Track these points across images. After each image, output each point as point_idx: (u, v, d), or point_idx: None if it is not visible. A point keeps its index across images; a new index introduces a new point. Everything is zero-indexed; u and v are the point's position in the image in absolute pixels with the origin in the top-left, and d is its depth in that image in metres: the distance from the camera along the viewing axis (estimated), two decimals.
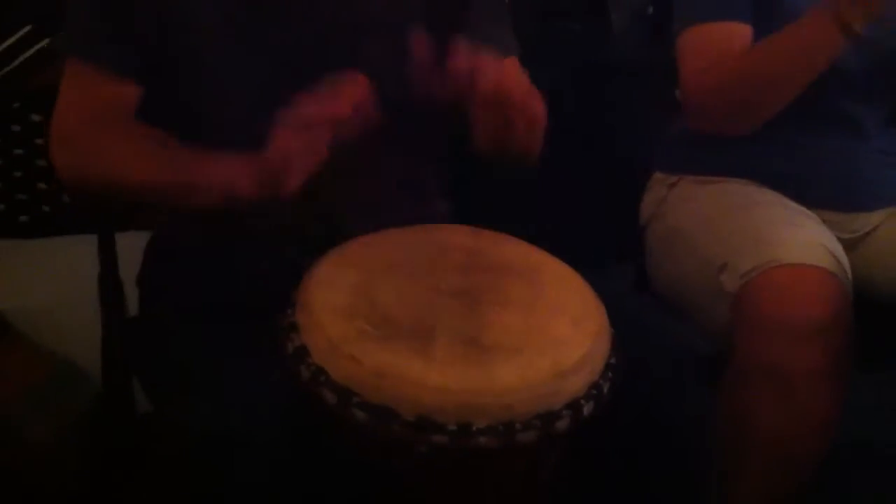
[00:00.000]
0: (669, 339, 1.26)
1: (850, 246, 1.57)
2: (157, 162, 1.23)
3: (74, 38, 1.30)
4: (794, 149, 1.58)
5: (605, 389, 1.11)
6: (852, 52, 1.51)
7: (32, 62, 1.76)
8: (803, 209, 1.56)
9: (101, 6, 1.27)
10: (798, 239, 1.43)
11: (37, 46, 1.77)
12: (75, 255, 1.60)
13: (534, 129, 1.27)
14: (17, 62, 1.75)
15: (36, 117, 1.79)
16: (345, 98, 1.14)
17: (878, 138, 1.59)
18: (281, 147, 1.14)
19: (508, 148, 1.31)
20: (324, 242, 1.23)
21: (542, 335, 1.11)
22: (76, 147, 1.28)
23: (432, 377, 1.04)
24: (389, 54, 1.31)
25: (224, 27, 1.27)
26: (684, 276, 1.55)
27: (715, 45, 1.53)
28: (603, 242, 1.91)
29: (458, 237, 1.27)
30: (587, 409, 1.09)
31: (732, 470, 1.41)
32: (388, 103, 1.33)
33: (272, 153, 1.15)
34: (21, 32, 1.76)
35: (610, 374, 1.13)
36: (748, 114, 1.54)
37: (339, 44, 1.30)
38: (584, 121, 1.91)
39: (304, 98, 1.14)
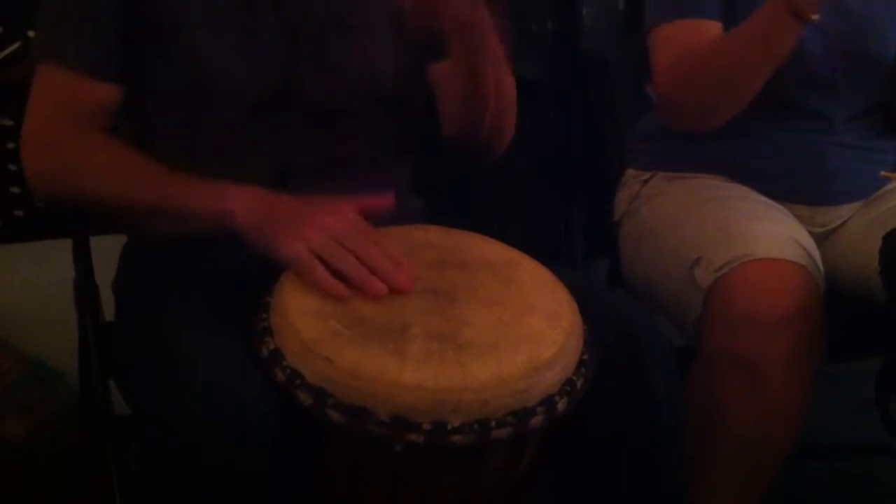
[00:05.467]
0: (641, 334, 1.26)
1: (820, 239, 1.59)
2: (143, 183, 1.21)
3: (48, 40, 1.29)
4: (765, 144, 1.60)
5: (579, 385, 1.12)
6: (821, 50, 1.54)
7: (2, 63, 1.75)
8: (774, 203, 1.57)
9: (76, 6, 1.26)
10: (770, 233, 1.45)
11: (7, 50, 1.76)
12: (50, 260, 1.59)
13: (505, 97, 1.30)
14: None
15: (7, 121, 1.77)
16: (380, 252, 1.13)
17: (846, 133, 1.61)
18: (304, 220, 1.13)
19: (478, 127, 1.32)
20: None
21: (516, 332, 1.12)
22: (56, 158, 1.26)
23: (406, 376, 1.05)
24: (364, 50, 1.32)
25: (213, 21, 1.27)
26: (658, 271, 1.56)
27: (685, 41, 1.54)
28: (577, 238, 1.92)
29: (431, 235, 1.27)
30: (561, 405, 1.10)
31: (701, 459, 1.42)
32: (363, 99, 1.35)
33: (286, 210, 1.14)
34: None
35: (583, 370, 1.14)
36: (715, 106, 1.55)
37: (308, 35, 1.30)
38: (557, 117, 1.92)
39: (355, 210, 1.16)
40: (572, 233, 1.94)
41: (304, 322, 1.09)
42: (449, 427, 1.04)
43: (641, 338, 1.24)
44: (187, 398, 1.07)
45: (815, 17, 1.41)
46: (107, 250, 1.46)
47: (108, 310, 1.44)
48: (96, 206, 1.27)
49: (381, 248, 1.13)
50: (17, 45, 1.75)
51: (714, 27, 1.54)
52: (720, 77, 1.51)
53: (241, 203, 1.16)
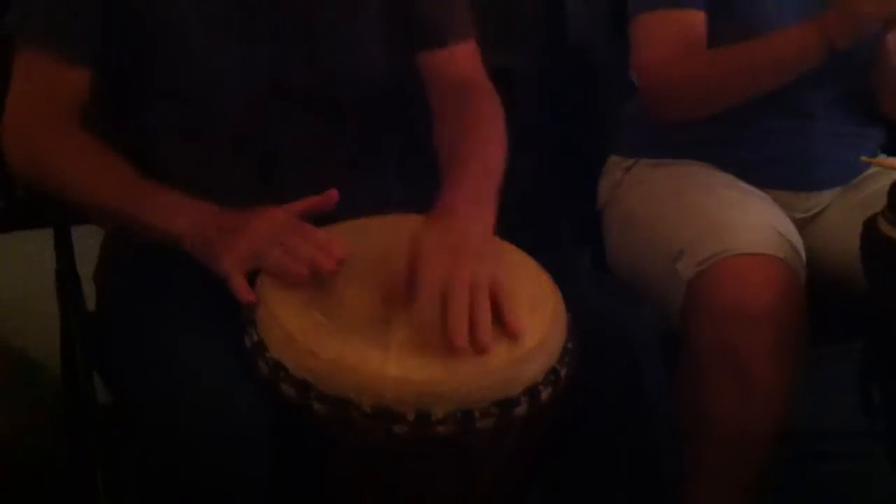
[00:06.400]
0: (626, 322, 1.27)
1: (802, 225, 1.59)
2: (109, 187, 1.23)
3: (24, 23, 1.29)
4: (747, 131, 1.60)
5: (563, 374, 1.12)
6: None
7: None
8: (756, 190, 1.58)
9: None
10: (752, 225, 1.46)
11: None
12: (31, 251, 1.58)
13: None
14: None
15: None
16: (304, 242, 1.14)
17: (828, 120, 1.61)
18: (237, 237, 1.15)
19: None
20: None
21: (498, 322, 1.12)
22: (29, 143, 1.27)
23: (390, 367, 1.05)
24: (354, 42, 1.32)
25: (203, 14, 1.26)
26: (641, 261, 1.57)
27: (672, 33, 1.54)
28: (560, 225, 1.92)
29: (414, 225, 1.27)
30: (545, 395, 1.10)
31: (692, 451, 1.43)
32: (345, 88, 1.35)
33: (226, 229, 1.15)
34: None
35: (567, 359, 1.14)
36: (711, 107, 1.56)
37: (300, 30, 1.30)
38: (541, 104, 1.91)
39: (292, 215, 1.17)
40: (555, 220, 1.94)
41: (287, 313, 1.09)
42: (433, 418, 1.04)
43: (627, 329, 1.25)
44: (186, 401, 1.07)
45: (842, 48, 1.45)
46: (88, 240, 1.45)
47: (90, 300, 1.43)
48: (63, 197, 1.29)
49: (308, 238, 1.14)
50: None
51: (699, 18, 1.54)
52: (727, 86, 1.54)
53: (189, 227, 1.17)
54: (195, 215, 1.18)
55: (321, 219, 1.26)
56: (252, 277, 1.16)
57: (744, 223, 1.46)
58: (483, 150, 1.29)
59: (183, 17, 1.26)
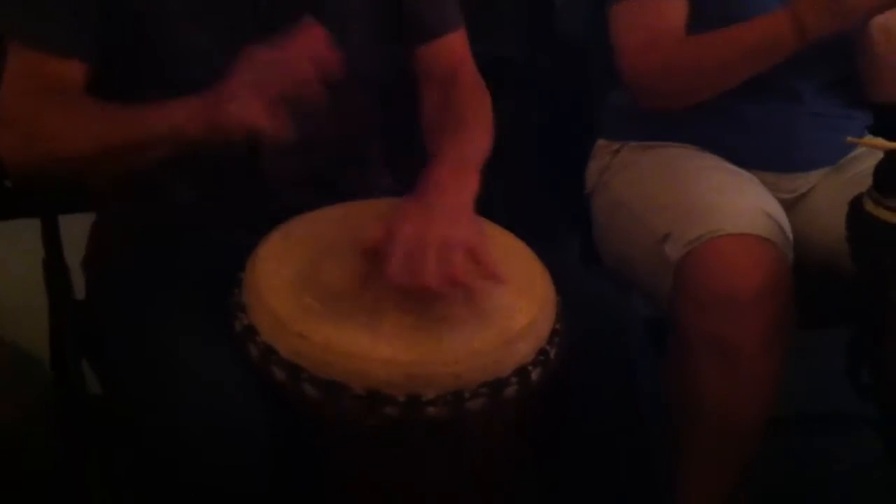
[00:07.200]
0: (617, 311, 1.27)
1: (789, 206, 1.59)
2: (100, 124, 1.21)
3: (12, 18, 1.28)
4: (733, 115, 1.59)
5: (553, 355, 1.13)
6: None
7: None
8: (744, 172, 1.58)
9: None
10: (739, 207, 1.46)
11: None
12: (19, 241, 1.59)
13: None
14: None
15: None
16: (300, 45, 1.14)
17: (815, 104, 1.61)
18: (231, 84, 1.13)
19: None
20: (267, 218, 1.23)
21: (488, 304, 1.12)
22: (18, 128, 1.25)
23: (380, 350, 1.05)
24: (340, 36, 1.32)
25: (191, 8, 1.26)
26: (629, 245, 1.56)
27: (651, 21, 1.54)
28: (549, 212, 1.92)
29: None
30: (535, 375, 1.11)
31: (681, 437, 1.43)
32: (336, 83, 1.35)
33: (220, 89, 1.14)
34: None
35: (557, 340, 1.14)
36: (691, 95, 1.57)
37: (293, 27, 1.30)
38: (529, 90, 1.92)
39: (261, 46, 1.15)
40: (544, 206, 1.94)
41: (277, 298, 1.10)
42: (423, 399, 1.05)
43: (618, 318, 1.26)
44: (184, 399, 1.08)
45: (813, 39, 1.45)
46: (76, 229, 1.45)
47: (79, 289, 1.43)
48: (62, 167, 1.25)
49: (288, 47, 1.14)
50: None
51: (680, 6, 1.54)
52: (704, 74, 1.54)
53: (184, 115, 1.16)
54: (188, 102, 1.16)
55: (312, 206, 1.26)
56: (243, 270, 1.16)
57: (731, 205, 1.46)
58: (468, 133, 1.31)
59: (176, 15, 1.25)
